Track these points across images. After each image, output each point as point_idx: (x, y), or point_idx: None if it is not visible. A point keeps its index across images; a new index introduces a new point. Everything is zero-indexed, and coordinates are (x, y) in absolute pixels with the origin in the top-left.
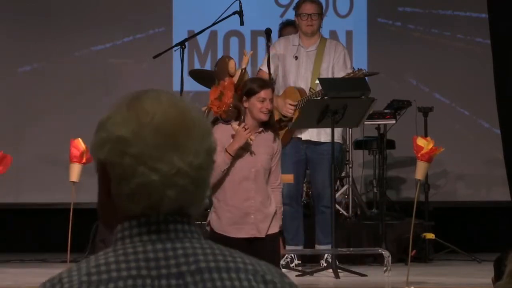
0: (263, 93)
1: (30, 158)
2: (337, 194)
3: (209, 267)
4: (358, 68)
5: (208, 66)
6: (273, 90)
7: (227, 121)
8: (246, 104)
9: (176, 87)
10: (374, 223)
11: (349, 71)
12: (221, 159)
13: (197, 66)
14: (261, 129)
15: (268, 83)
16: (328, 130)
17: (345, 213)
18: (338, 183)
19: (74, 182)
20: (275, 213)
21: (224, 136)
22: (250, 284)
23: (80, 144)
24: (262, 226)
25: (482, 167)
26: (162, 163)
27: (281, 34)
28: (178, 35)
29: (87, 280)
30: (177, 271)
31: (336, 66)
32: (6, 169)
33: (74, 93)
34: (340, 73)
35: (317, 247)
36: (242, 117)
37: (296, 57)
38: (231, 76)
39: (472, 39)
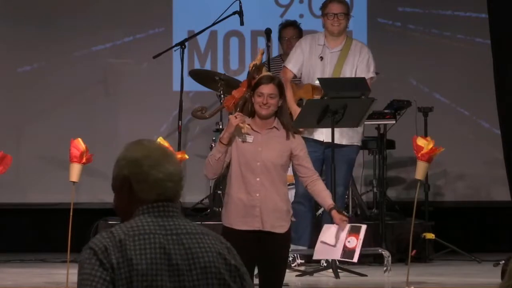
0: (261, 88)
1: (30, 158)
2: None
3: (192, 232)
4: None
5: (208, 66)
6: (279, 87)
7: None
8: (252, 100)
9: (176, 87)
10: (374, 223)
11: (372, 75)
12: (215, 149)
13: (197, 66)
14: (273, 126)
15: (271, 79)
16: (351, 133)
17: (345, 213)
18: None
19: (74, 182)
20: (288, 212)
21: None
22: (213, 242)
23: (80, 144)
24: (267, 220)
25: (482, 167)
26: (163, 168)
27: (280, 34)
28: (178, 35)
29: (127, 233)
30: (176, 232)
31: (358, 68)
32: (6, 169)
33: (74, 93)
34: (362, 75)
35: None
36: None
37: (321, 58)
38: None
39: (472, 39)
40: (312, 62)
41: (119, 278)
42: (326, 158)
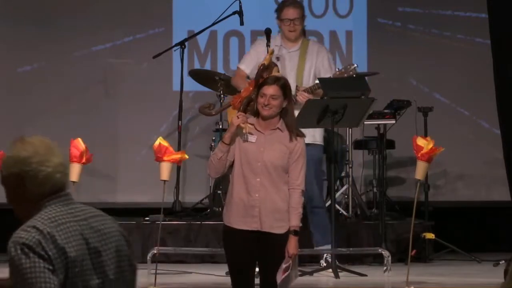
0: (264, 88)
1: None
2: (337, 194)
3: (95, 214)
4: (348, 64)
5: (208, 66)
6: (283, 88)
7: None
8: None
9: (176, 87)
10: (374, 223)
11: (334, 71)
12: (217, 148)
13: (197, 66)
14: (277, 127)
15: (275, 80)
16: (312, 132)
17: (345, 213)
18: (337, 182)
19: (74, 182)
20: (288, 212)
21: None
22: (113, 222)
23: (80, 144)
24: (266, 220)
25: (482, 167)
26: (50, 162)
27: None
28: (178, 35)
29: (50, 225)
30: (84, 217)
31: (322, 70)
32: None
33: (74, 93)
34: (327, 75)
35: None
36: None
37: (278, 58)
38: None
39: (472, 39)
40: None
41: (58, 267)
42: None
